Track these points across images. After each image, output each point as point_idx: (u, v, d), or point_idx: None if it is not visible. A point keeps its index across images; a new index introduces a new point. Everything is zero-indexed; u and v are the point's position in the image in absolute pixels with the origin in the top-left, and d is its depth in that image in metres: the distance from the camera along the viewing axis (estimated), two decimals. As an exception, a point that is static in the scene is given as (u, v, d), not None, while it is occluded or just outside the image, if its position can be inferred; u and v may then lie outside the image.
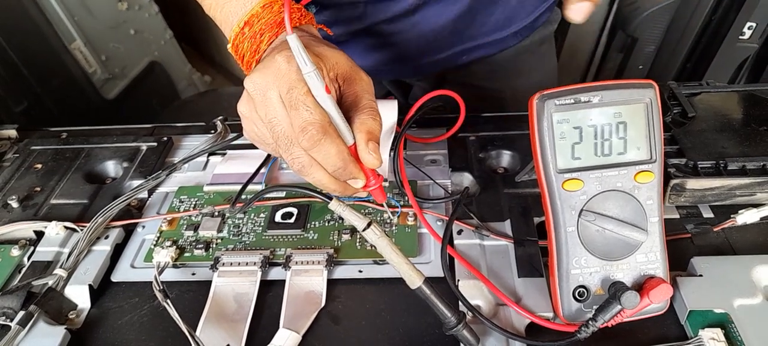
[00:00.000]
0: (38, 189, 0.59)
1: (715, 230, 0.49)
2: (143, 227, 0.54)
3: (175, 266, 0.49)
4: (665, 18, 1.33)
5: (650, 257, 0.39)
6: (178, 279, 0.48)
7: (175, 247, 0.50)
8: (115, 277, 0.49)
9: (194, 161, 0.61)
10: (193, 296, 0.47)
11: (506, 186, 0.55)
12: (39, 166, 0.62)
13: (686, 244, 0.48)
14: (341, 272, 0.48)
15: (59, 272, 0.47)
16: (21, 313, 0.44)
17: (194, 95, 1.76)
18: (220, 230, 0.52)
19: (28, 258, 0.50)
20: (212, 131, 0.65)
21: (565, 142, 0.38)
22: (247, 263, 0.48)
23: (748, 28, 1.17)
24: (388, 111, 0.53)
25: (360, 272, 0.48)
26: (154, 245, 0.51)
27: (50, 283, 0.46)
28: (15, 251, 0.51)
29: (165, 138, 0.65)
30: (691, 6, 1.26)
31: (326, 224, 0.52)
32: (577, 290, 0.40)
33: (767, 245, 0.47)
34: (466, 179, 0.57)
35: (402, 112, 0.57)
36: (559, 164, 0.38)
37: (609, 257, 0.39)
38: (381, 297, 0.46)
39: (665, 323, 0.42)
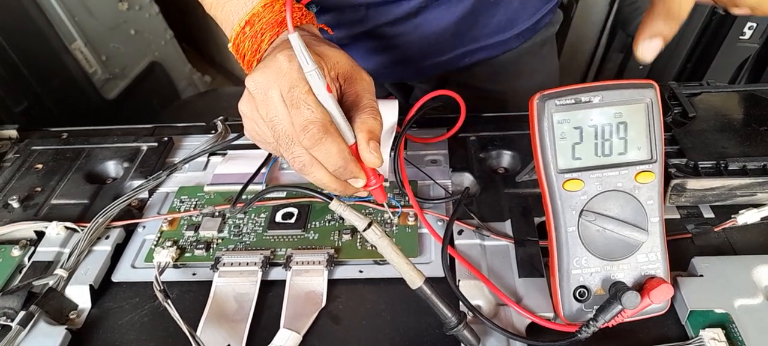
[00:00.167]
0: (39, 189, 0.59)
1: (715, 230, 0.49)
2: (144, 227, 0.54)
3: (175, 266, 0.49)
4: (665, 18, 1.32)
5: (651, 257, 0.39)
6: (179, 279, 0.48)
7: (175, 247, 0.50)
8: (116, 277, 0.49)
9: (195, 161, 0.62)
10: (193, 296, 0.47)
11: (507, 186, 0.55)
12: (39, 166, 0.62)
13: (687, 244, 0.48)
14: (342, 272, 0.48)
15: (60, 272, 0.47)
16: (22, 313, 0.44)
17: (194, 95, 1.76)
18: (220, 230, 0.52)
19: (29, 258, 0.50)
20: (213, 131, 0.65)
21: (565, 142, 0.38)
22: (247, 263, 0.48)
23: (749, 28, 1.17)
24: (389, 111, 0.53)
25: (360, 272, 0.48)
26: (155, 245, 0.51)
27: (51, 283, 0.46)
28: (16, 252, 0.51)
29: (165, 138, 0.65)
30: (691, 6, 1.26)
31: (327, 224, 0.52)
32: (578, 290, 0.40)
33: (768, 245, 0.48)
34: (467, 179, 0.57)
35: (402, 112, 0.57)
36: (559, 164, 0.38)
37: (609, 257, 0.39)
38: (381, 297, 0.46)
39: (666, 323, 0.42)
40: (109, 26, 1.51)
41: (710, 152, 0.50)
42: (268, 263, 0.48)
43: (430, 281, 0.40)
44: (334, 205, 0.41)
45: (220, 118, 0.64)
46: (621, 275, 0.39)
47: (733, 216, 0.48)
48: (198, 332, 0.43)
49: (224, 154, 0.62)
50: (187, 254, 0.50)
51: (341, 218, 0.51)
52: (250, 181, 0.56)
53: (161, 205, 0.57)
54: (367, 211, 0.52)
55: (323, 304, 0.45)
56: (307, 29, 0.47)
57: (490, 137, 0.61)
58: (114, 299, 0.47)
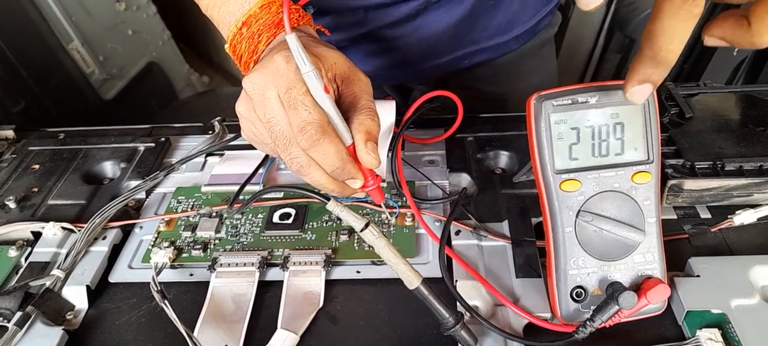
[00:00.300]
0: (36, 190, 0.59)
1: (712, 230, 0.49)
2: (141, 227, 0.54)
3: (172, 267, 0.49)
4: (663, 19, 1.33)
5: (648, 257, 0.39)
6: (176, 280, 0.48)
7: (172, 247, 0.50)
8: (113, 278, 0.49)
9: (192, 162, 0.61)
10: (190, 297, 0.47)
11: (504, 187, 0.55)
12: (36, 166, 0.62)
13: (684, 244, 0.48)
14: (339, 273, 0.48)
15: (57, 272, 0.47)
16: (18, 314, 0.44)
17: (192, 96, 1.76)
18: (217, 231, 0.52)
19: (26, 259, 0.50)
20: (210, 132, 0.65)
21: (562, 142, 0.38)
22: (244, 264, 0.48)
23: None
24: (386, 111, 0.53)
25: (358, 272, 0.48)
26: (152, 246, 0.51)
27: (48, 284, 0.46)
28: (12, 252, 0.50)
29: (163, 139, 0.64)
30: (688, 7, 1.26)
31: (324, 225, 0.52)
32: (575, 291, 0.40)
33: (764, 246, 0.48)
34: (464, 179, 0.57)
35: (400, 113, 0.57)
36: (556, 165, 0.38)
37: (606, 258, 0.39)
38: (379, 298, 0.46)
39: (663, 324, 0.42)
40: (106, 26, 1.51)
41: (707, 153, 0.50)
42: (266, 264, 0.48)
43: (427, 281, 0.40)
44: (331, 205, 0.41)
45: (218, 118, 0.64)
46: (618, 276, 0.39)
47: (729, 216, 0.48)
48: (195, 333, 0.43)
49: (222, 155, 0.62)
50: (184, 255, 0.50)
51: (338, 219, 0.51)
52: (248, 181, 0.56)
53: (158, 205, 0.56)
54: (364, 211, 0.52)
55: (321, 304, 0.45)
56: (305, 30, 0.47)
57: (487, 138, 0.61)
58: (111, 300, 0.47)
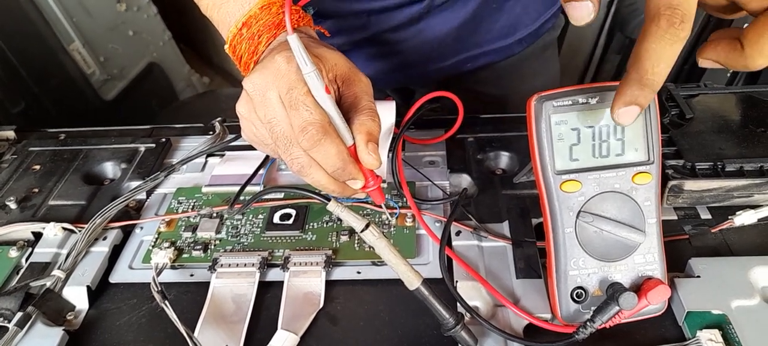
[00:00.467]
0: (36, 190, 0.59)
1: (712, 231, 0.49)
2: (141, 228, 0.54)
3: (173, 268, 0.49)
4: (663, 20, 1.33)
5: (648, 258, 0.39)
6: (177, 280, 0.48)
7: (173, 248, 0.50)
8: (114, 278, 0.49)
9: (192, 162, 0.61)
10: (191, 298, 0.47)
11: (504, 187, 0.55)
12: (37, 167, 0.62)
13: (684, 245, 0.48)
14: (339, 273, 0.48)
15: (57, 273, 0.47)
16: (19, 314, 0.44)
17: (193, 96, 1.76)
18: (218, 232, 0.52)
19: (26, 259, 0.50)
20: (211, 132, 0.65)
21: (563, 143, 0.38)
22: (245, 265, 0.48)
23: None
24: (386, 112, 0.53)
25: (358, 273, 0.48)
26: (153, 246, 0.51)
27: (48, 284, 0.46)
28: (13, 252, 0.50)
29: (163, 139, 0.64)
30: (689, 8, 1.26)
31: (325, 225, 0.52)
32: (575, 291, 0.40)
33: (765, 247, 0.48)
34: (465, 180, 0.57)
35: (400, 114, 0.57)
36: (557, 166, 0.38)
37: (607, 258, 0.39)
38: (379, 298, 0.46)
39: (663, 324, 0.42)
40: (107, 27, 1.51)
41: (707, 154, 0.50)
42: (266, 264, 0.48)
43: (427, 282, 0.39)
44: (331, 206, 0.41)
45: (218, 119, 0.64)
46: (618, 276, 0.39)
47: (730, 217, 0.48)
48: (196, 334, 0.43)
49: (222, 156, 0.62)
50: (184, 255, 0.50)
51: (339, 219, 0.51)
52: (248, 182, 0.56)
53: (159, 206, 0.56)
54: (365, 212, 0.52)
55: (321, 305, 0.45)
56: (305, 31, 0.47)
57: (488, 138, 0.61)
58: (111, 300, 0.47)
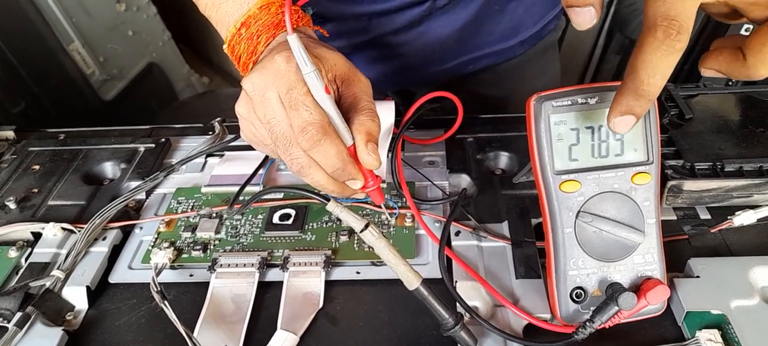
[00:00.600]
0: (36, 190, 0.59)
1: (712, 231, 0.49)
2: (141, 228, 0.54)
3: (172, 268, 0.49)
4: (663, 20, 1.33)
5: (647, 258, 0.39)
6: (176, 280, 0.48)
7: (172, 248, 0.50)
8: (113, 278, 0.49)
9: (192, 163, 0.61)
10: (190, 298, 0.47)
11: (504, 187, 0.55)
12: (37, 167, 0.62)
13: (683, 245, 0.48)
14: (339, 274, 0.48)
15: (57, 273, 0.47)
16: (18, 314, 0.44)
17: (192, 96, 1.76)
18: (217, 232, 0.52)
19: (26, 259, 0.50)
20: (210, 133, 0.65)
21: (562, 143, 0.38)
22: (244, 265, 0.48)
23: (745, 30, 1.18)
24: (386, 112, 0.53)
25: (358, 273, 0.48)
26: (152, 247, 0.51)
27: (48, 284, 0.46)
28: (12, 253, 0.50)
29: (163, 139, 0.64)
30: (688, 8, 1.26)
31: (324, 226, 0.52)
32: (575, 292, 0.40)
33: (764, 247, 0.48)
34: (464, 180, 0.57)
35: (400, 115, 0.57)
36: (556, 166, 0.38)
37: (606, 259, 0.39)
38: (379, 298, 0.46)
39: (662, 325, 0.42)
40: (106, 27, 1.51)
41: (707, 154, 0.50)
42: (266, 265, 0.48)
43: (427, 282, 0.40)
44: (331, 206, 0.41)
45: (218, 119, 0.64)
46: (618, 276, 0.39)
47: (729, 217, 0.48)
48: (195, 334, 0.43)
49: (222, 156, 0.62)
50: (184, 256, 0.50)
51: (338, 220, 0.51)
52: (248, 182, 0.56)
53: (158, 206, 0.56)
54: (364, 212, 0.52)
55: (320, 305, 0.45)
56: (304, 31, 0.47)
57: (487, 139, 0.61)
58: (111, 301, 0.47)
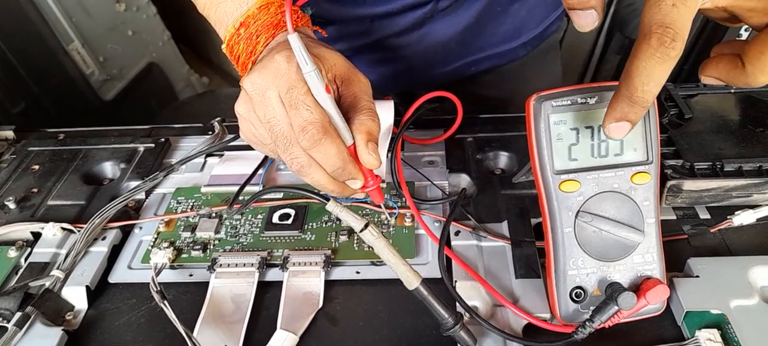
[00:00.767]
0: (35, 190, 0.59)
1: (711, 231, 0.49)
2: (140, 228, 0.54)
3: (172, 268, 0.49)
4: (662, 20, 1.33)
5: (647, 258, 0.39)
6: (176, 280, 0.48)
7: (172, 248, 0.50)
8: (113, 278, 0.49)
9: (192, 162, 0.61)
10: (190, 298, 0.47)
11: (503, 187, 0.55)
12: (36, 167, 0.62)
13: (683, 245, 0.48)
14: (339, 273, 0.48)
15: (56, 273, 0.47)
16: (18, 314, 0.44)
17: (192, 96, 1.76)
18: (217, 231, 0.52)
19: (25, 259, 0.50)
20: (210, 132, 0.65)
21: (562, 143, 0.38)
22: (244, 264, 0.48)
23: (745, 30, 1.18)
24: (385, 112, 0.53)
25: (357, 273, 0.48)
26: (152, 246, 0.51)
27: (47, 284, 0.46)
28: (12, 252, 0.50)
29: (162, 139, 0.65)
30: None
31: (324, 225, 0.52)
32: (574, 291, 0.40)
33: (764, 246, 0.48)
34: (464, 180, 0.57)
35: (399, 114, 0.57)
36: (556, 165, 0.38)
37: (606, 258, 0.39)
38: (378, 298, 0.46)
39: (662, 324, 0.42)
40: (106, 27, 1.51)
41: (706, 153, 0.50)
42: (265, 264, 0.48)
43: (426, 281, 0.40)
44: (331, 206, 0.41)
45: (218, 119, 0.64)
46: (617, 276, 0.40)
47: (729, 217, 0.48)
48: (195, 333, 0.43)
49: (221, 156, 0.62)
50: (183, 255, 0.50)
51: (338, 219, 0.51)
52: (247, 182, 0.56)
53: (158, 206, 0.56)
54: (364, 212, 0.52)
55: (320, 305, 0.45)
56: (303, 32, 0.47)
57: (487, 138, 0.61)
58: (111, 300, 0.47)
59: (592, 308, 0.39)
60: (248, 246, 0.50)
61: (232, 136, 0.63)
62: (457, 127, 0.60)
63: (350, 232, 0.50)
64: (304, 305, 0.45)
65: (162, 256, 0.48)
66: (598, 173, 0.38)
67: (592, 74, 1.64)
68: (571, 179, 0.38)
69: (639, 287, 0.39)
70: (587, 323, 0.38)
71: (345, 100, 0.43)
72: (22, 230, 0.53)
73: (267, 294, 0.47)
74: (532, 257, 0.46)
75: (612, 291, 0.38)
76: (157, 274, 0.46)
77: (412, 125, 0.59)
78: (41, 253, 0.50)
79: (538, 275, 0.45)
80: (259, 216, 0.53)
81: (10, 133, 0.68)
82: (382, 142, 0.52)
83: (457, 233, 0.50)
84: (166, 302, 0.42)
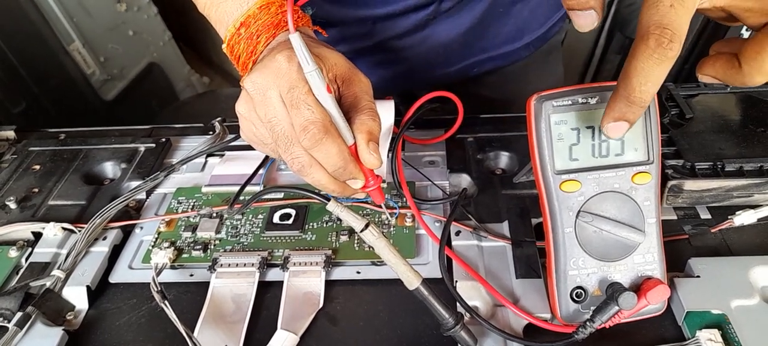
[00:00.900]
0: (36, 190, 0.59)
1: (712, 231, 0.49)
2: (141, 228, 0.54)
3: (173, 268, 0.49)
4: (663, 20, 1.33)
5: (647, 258, 0.39)
6: (176, 280, 0.48)
7: (173, 248, 0.50)
8: (113, 278, 0.49)
9: (192, 162, 0.62)
10: (191, 298, 0.47)
11: (504, 187, 0.55)
12: (37, 167, 0.62)
13: (684, 245, 0.48)
14: (339, 273, 0.48)
15: (57, 273, 0.47)
16: (19, 314, 0.44)
17: (193, 96, 1.76)
18: (218, 231, 0.52)
19: (26, 259, 0.50)
20: (210, 132, 0.65)
21: (562, 143, 0.38)
22: (245, 264, 0.48)
23: (746, 30, 1.18)
24: (385, 112, 0.53)
25: (358, 273, 0.48)
26: (152, 246, 0.51)
27: (48, 284, 0.46)
28: (13, 252, 0.50)
29: (163, 139, 0.65)
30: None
31: (324, 225, 0.52)
32: (575, 291, 0.40)
33: (764, 246, 0.48)
34: (464, 180, 0.57)
35: (400, 114, 0.57)
36: (556, 165, 0.38)
37: (606, 258, 0.39)
38: (379, 298, 0.46)
39: (663, 324, 0.42)
40: (107, 27, 1.51)
41: (707, 153, 0.50)
42: (266, 264, 0.48)
43: (427, 282, 0.40)
44: (331, 206, 0.41)
45: (218, 119, 0.64)
46: (618, 276, 0.39)
47: (729, 217, 0.48)
48: (195, 333, 0.43)
49: (222, 156, 0.62)
50: (184, 255, 0.50)
51: (339, 219, 0.51)
52: (248, 182, 0.56)
53: (159, 206, 0.56)
54: (364, 212, 0.52)
55: (321, 305, 0.45)
56: (303, 31, 0.47)
57: (487, 138, 0.61)
58: (111, 300, 0.47)
59: (592, 308, 0.39)
60: (249, 246, 0.50)
61: (232, 136, 0.63)
62: (457, 127, 0.60)
63: (351, 232, 0.50)
64: (304, 305, 0.45)
65: (163, 256, 0.48)
66: (599, 172, 0.38)
67: (593, 74, 1.64)
68: (572, 178, 0.38)
69: (640, 287, 0.39)
70: (588, 323, 0.38)
71: (346, 100, 0.43)
72: (22, 230, 0.53)
73: (267, 294, 0.47)
74: (533, 257, 0.46)
75: (613, 291, 0.38)
76: (158, 274, 0.46)
77: (412, 125, 0.59)
78: (42, 253, 0.50)
79: (539, 275, 0.45)
80: (260, 216, 0.53)
81: (10, 133, 0.68)
82: (383, 142, 0.52)
83: (457, 233, 0.50)
84: (166, 302, 0.42)
